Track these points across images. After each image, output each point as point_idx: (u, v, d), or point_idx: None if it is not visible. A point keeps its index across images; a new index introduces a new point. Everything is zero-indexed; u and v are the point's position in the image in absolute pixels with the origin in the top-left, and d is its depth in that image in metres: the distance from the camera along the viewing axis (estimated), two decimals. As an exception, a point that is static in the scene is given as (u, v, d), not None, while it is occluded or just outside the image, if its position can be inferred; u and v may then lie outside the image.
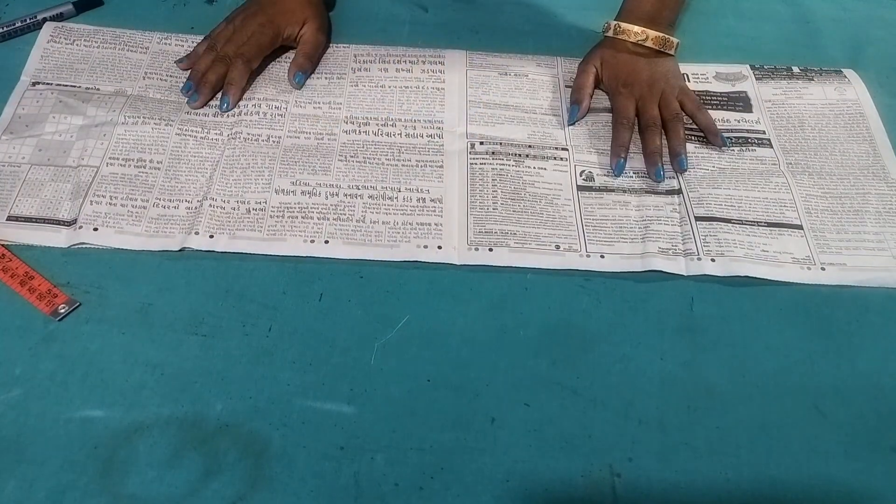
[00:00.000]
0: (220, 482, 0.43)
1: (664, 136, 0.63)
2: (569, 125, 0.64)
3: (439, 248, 0.55)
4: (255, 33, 0.64)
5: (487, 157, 0.61)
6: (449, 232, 0.56)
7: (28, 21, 0.68)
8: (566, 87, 0.67)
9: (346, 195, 0.58)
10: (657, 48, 0.66)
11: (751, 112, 0.67)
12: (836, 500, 0.45)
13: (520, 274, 0.55)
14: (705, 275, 0.55)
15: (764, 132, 0.65)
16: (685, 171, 0.61)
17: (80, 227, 0.54)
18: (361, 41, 0.70)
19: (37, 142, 0.59)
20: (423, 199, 0.58)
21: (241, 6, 0.67)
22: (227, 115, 0.62)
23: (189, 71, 0.64)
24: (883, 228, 0.58)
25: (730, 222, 0.58)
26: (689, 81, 0.69)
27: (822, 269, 0.56)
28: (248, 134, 0.61)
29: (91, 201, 0.56)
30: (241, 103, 0.63)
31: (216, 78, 0.63)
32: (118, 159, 0.58)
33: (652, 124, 0.62)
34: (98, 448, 0.44)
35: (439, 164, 0.61)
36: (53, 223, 0.54)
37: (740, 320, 0.53)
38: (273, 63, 0.67)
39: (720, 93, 0.68)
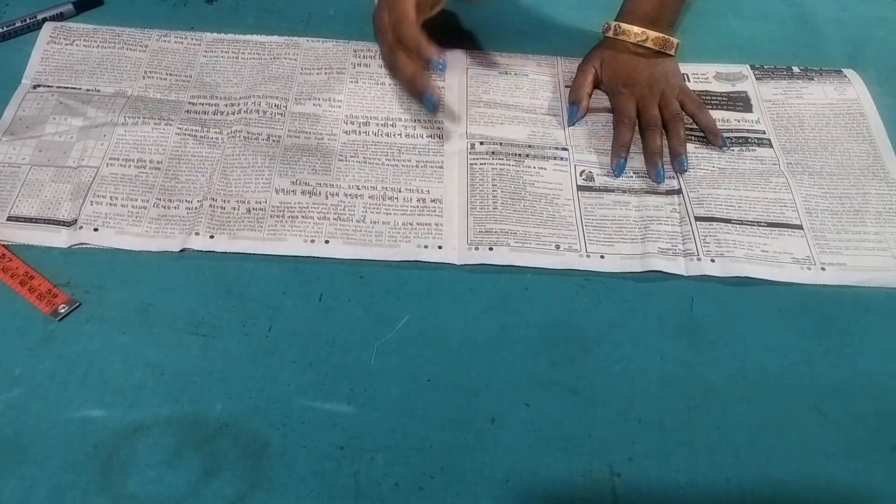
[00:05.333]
0: (220, 482, 0.43)
1: (664, 137, 0.63)
2: (568, 126, 0.64)
3: (439, 248, 0.55)
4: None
5: (487, 157, 0.61)
6: (449, 232, 0.56)
7: (28, 21, 0.68)
8: (566, 87, 0.67)
9: (346, 195, 0.58)
10: (657, 48, 0.66)
11: (751, 112, 0.67)
12: (836, 500, 0.45)
13: (520, 274, 0.55)
14: (705, 275, 0.55)
15: (764, 132, 0.65)
16: (685, 171, 0.61)
17: (81, 228, 0.54)
18: (361, 41, 0.70)
19: (37, 143, 0.59)
20: (424, 200, 0.58)
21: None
22: (227, 114, 0.62)
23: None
24: (883, 228, 0.58)
25: (730, 222, 0.58)
26: (689, 81, 0.69)
27: (822, 269, 0.56)
28: (248, 133, 0.61)
29: (91, 202, 0.56)
30: (240, 101, 0.63)
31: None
32: (118, 160, 0.58)
33: (653, 124, 0.62)
34: (98, 448, 0.44)
35: (439, 164, 0.61)
36: (53, 223, 0.54)
37: (740, 320, 0.53)
38: (272, 60, 0.67)
39: (720, 93, 0.68)
